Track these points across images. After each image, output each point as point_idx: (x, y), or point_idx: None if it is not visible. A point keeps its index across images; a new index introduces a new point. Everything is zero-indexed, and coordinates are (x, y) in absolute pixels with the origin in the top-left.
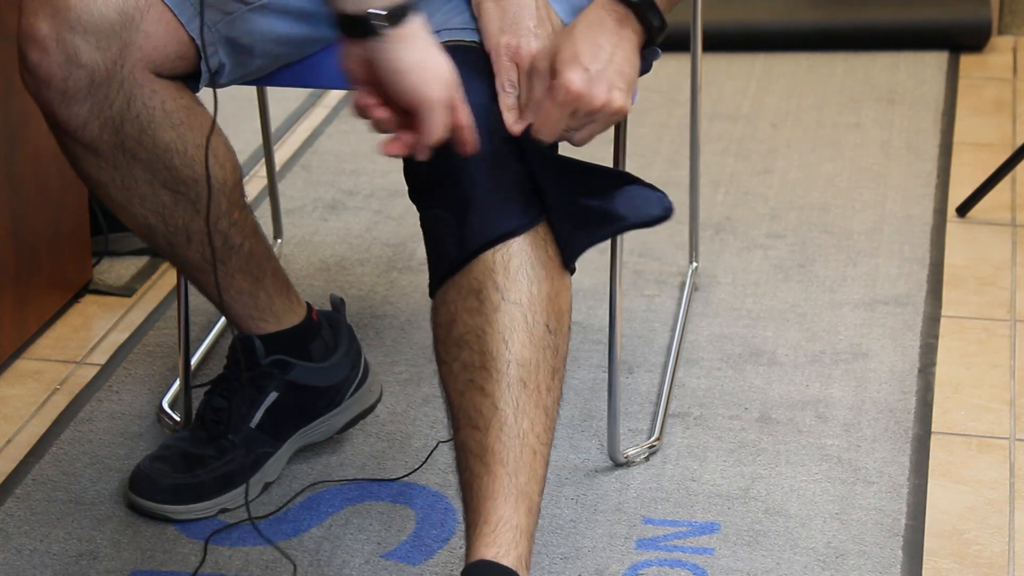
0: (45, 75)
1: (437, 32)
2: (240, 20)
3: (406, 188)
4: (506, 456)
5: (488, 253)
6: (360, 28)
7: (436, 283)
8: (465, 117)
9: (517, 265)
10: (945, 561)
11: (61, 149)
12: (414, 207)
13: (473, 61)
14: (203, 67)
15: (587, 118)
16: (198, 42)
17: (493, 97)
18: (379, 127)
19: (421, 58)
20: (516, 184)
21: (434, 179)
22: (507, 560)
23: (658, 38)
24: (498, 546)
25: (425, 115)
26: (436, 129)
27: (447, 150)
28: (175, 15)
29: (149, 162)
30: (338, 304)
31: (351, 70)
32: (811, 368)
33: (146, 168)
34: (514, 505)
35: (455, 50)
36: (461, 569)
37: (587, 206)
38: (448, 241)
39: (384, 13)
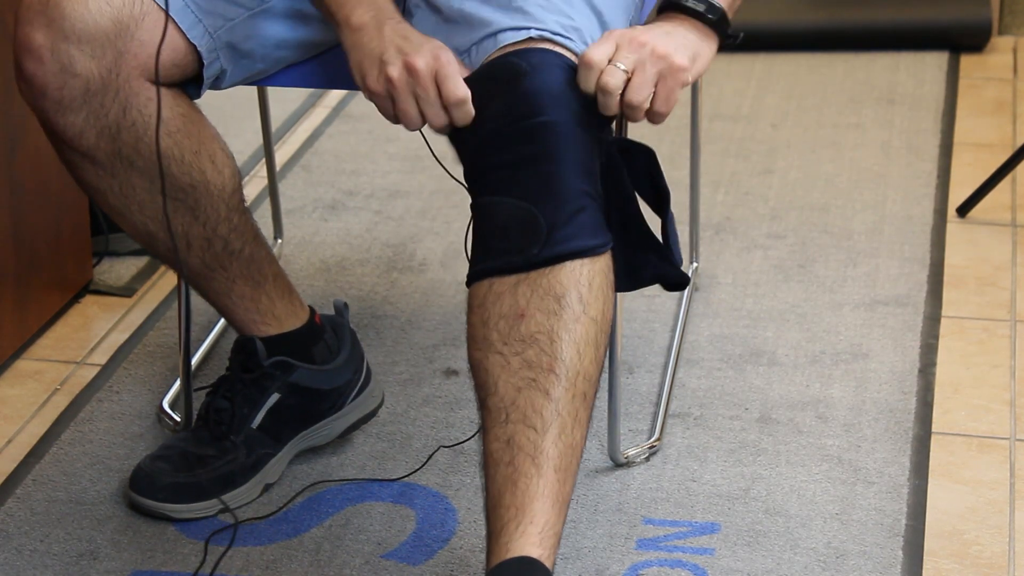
0: (40, 84)
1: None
2: (241, 25)
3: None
4: (560, 463)
5: (577, 263)
6: None
7: (496, 272)
8: None
9: (599, 284)
10: (945, 561)
11: (59, 157)
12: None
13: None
14: (205, 74)
15: (662, 81)
16: (200, 49)
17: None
18: None
19: None
20: (600, 200)
21: (521, 167)
22: (549, 564)
23: (738, 38)
24: (543, 548)
25: None
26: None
27: (539, 138)
28: (174, 22)
29: (146, 169)
30: (341, 308)
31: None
32: (811, 368)
33: (143, 175)
34: (559, 512)
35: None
36: (493, 563)
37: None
38: (527, 234)
39: None
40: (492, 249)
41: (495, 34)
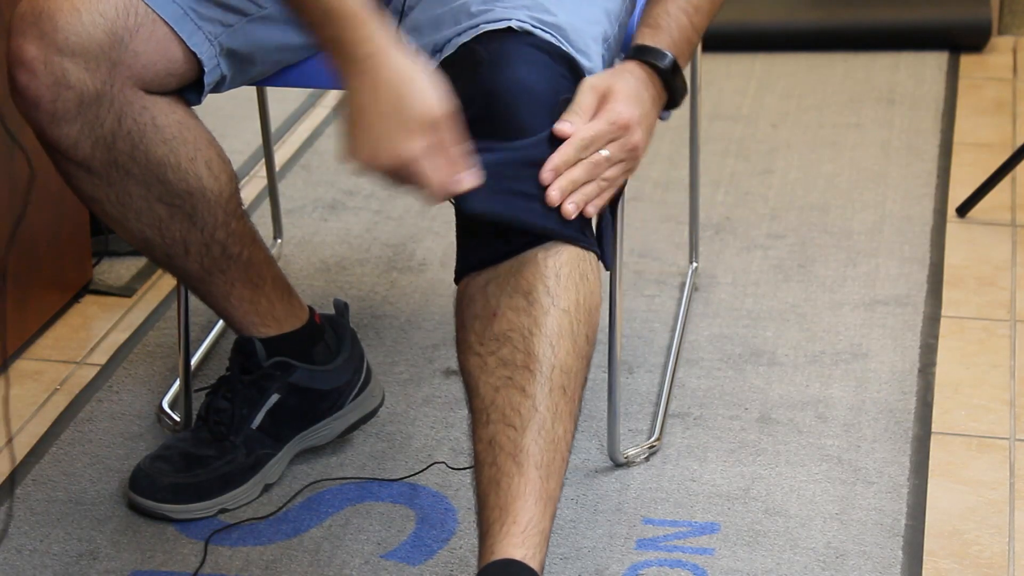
0: (34, 97)
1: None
2: (240, 31)
3: None
4: (541, 459)
5: (540, 256)
6: None
7: (471, 268)
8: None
9: (568, 273)
10: (945, 561)
11: (55, 167)
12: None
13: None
14: (206, 80)
15: (618, 158)
16: (201, 57)
17: (554, 91)
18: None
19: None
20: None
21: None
22: (534, 563)
23: (680, 102)
24: (526, 548)
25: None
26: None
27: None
28: (174, 31)
29: (143, 177)
30: (342, 308)
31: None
32: (811, 368)
33: (140, 183)
34: (543, 509)
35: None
36: (481, 565)
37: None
38: (491, 229)
39: None
40: (468, 246)
41: (476, 25)
